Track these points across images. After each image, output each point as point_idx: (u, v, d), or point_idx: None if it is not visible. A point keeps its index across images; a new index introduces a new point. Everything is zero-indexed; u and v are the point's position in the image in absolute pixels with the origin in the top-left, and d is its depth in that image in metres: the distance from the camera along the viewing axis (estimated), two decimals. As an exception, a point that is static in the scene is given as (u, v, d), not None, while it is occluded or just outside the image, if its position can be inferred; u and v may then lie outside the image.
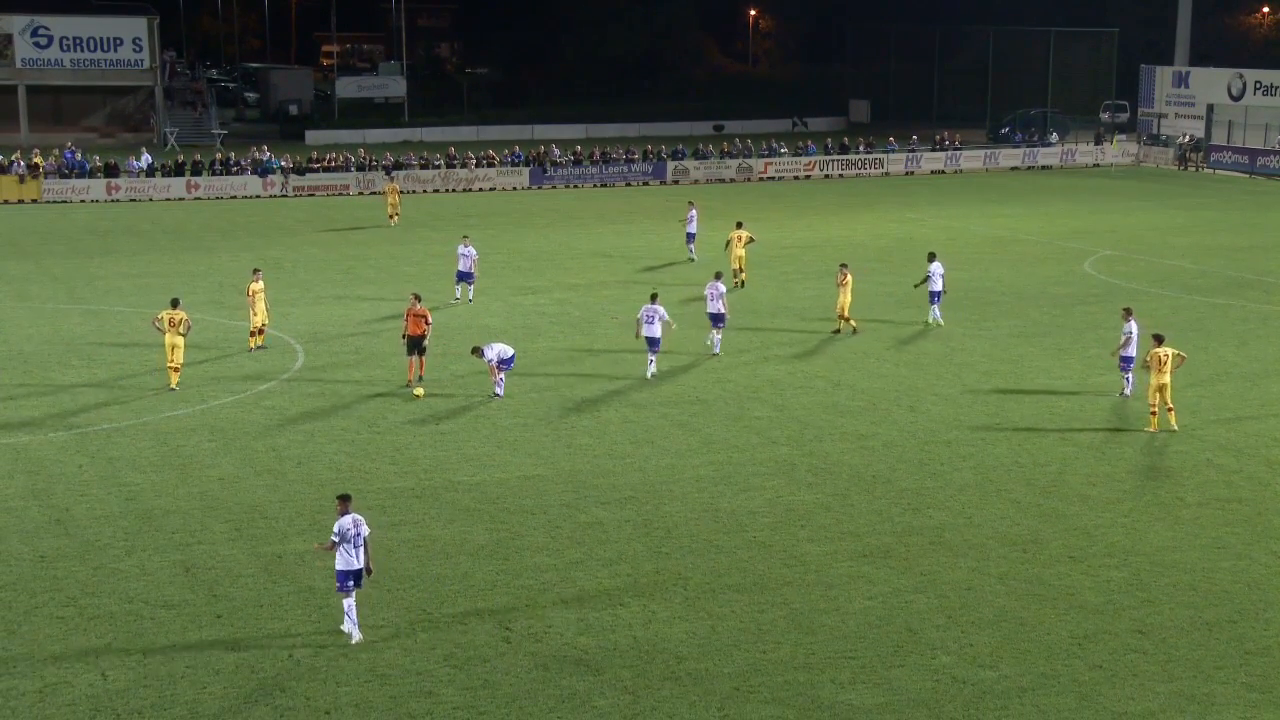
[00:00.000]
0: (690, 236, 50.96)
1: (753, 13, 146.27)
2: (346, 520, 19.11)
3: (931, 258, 39.59)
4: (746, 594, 20.83)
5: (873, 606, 20.40)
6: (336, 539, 19.02)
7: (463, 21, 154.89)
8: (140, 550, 22.39)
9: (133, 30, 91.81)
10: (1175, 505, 24.76)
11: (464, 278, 42.44)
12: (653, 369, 33.27)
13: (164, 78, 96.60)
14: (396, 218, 60.36)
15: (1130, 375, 31.42)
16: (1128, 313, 31.88)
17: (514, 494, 25.15)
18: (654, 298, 34.02)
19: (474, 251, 42.44)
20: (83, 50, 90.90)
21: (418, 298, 32.57)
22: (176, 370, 31.93)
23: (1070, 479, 26.13)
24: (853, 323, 37.93)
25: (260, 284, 35.73)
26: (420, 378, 32.20)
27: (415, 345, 32.11)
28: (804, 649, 19.02)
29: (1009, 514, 24.29)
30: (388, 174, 70.99)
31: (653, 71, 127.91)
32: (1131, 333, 31.34)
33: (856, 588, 21.08)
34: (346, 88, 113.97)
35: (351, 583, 19.12)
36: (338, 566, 19.13)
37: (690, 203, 53.79)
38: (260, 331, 35.99)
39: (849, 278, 37.80)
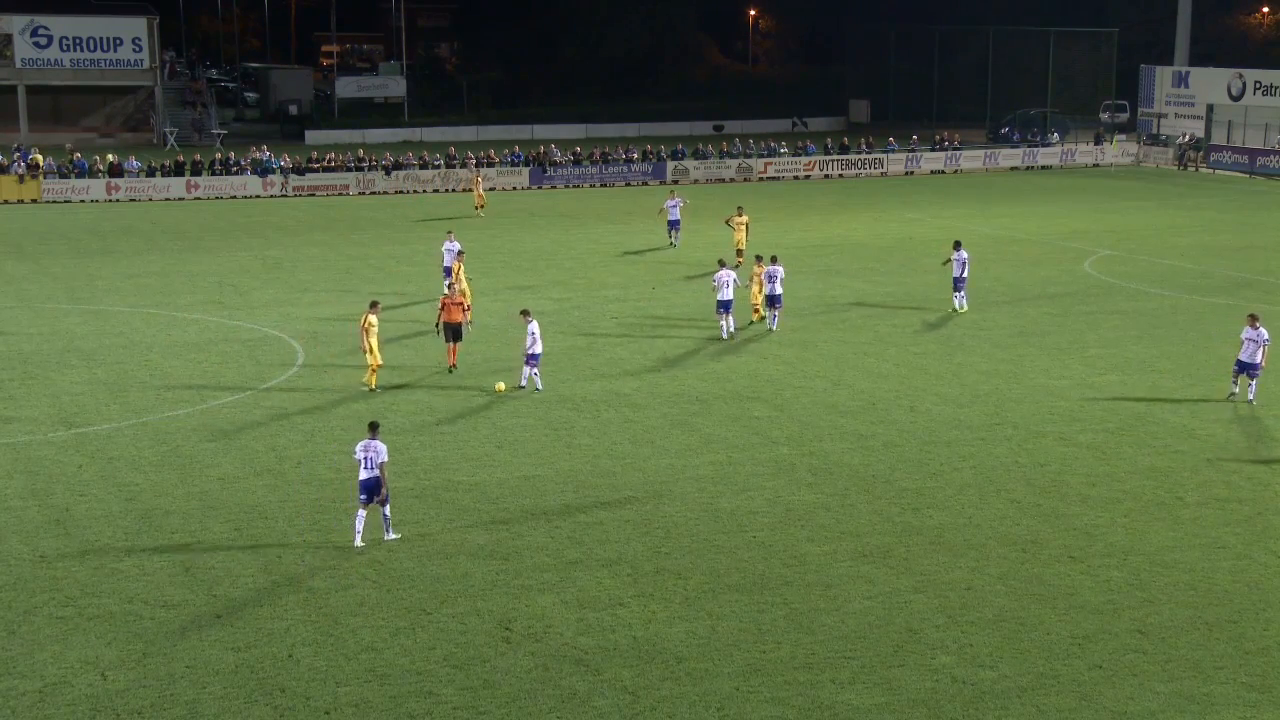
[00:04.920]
0: (674, 224, 53.59)
1: (753, 13, 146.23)
2: (360, 444, 22.65)
3: (957, 246, 41.19)
4: (746, 594, 20.83)
5: (873, 606, 20.40)
6: (356, 457, 22.68)
7: (463, 21, 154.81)
8: (140, 550, 22.39)
9: (132, 30, 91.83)
10: (1175, 505, 24.76)
11: (450, 273, 42.58)
12: (774, 324, 37.96)
13: (164, 78, 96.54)
14: (483, 209, 62.45)
15: (1237, 379, 31.23)
16: (1253, 318, 31.22)
17: (514, 494, 25.15)
18: (774, 259, 38.11)
19: (457, 246, 42.92)
20: (83, 50, 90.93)
21: (450, 287, 34.98)
22: (373, 370, 31.95)
23: (1070, 479, 26.13)
24: (760, 313, 39.04)
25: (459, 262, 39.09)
26: (452, 366, 33.63)
27: (453, 332, 33.46)
28: (804, 649, 19.02)
29: (1009, 514, 24.29)
30: (475, 167, 72.29)
31: (653, 71, 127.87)
32: (1250, 338, 30.82)
33: (856, 588, 21.08)
34: (346, 88, 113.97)
35: (364, 496, 22.42)
36: (359, 478, 22.54)
37: (672, 191, 55.69)
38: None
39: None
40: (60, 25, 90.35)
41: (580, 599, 20.60)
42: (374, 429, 22.93)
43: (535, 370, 31.92)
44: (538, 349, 31.64)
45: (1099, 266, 49.49)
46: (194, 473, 26.26)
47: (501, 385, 31.87)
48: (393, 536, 22.84)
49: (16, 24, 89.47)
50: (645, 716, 17.25)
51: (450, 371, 33.35)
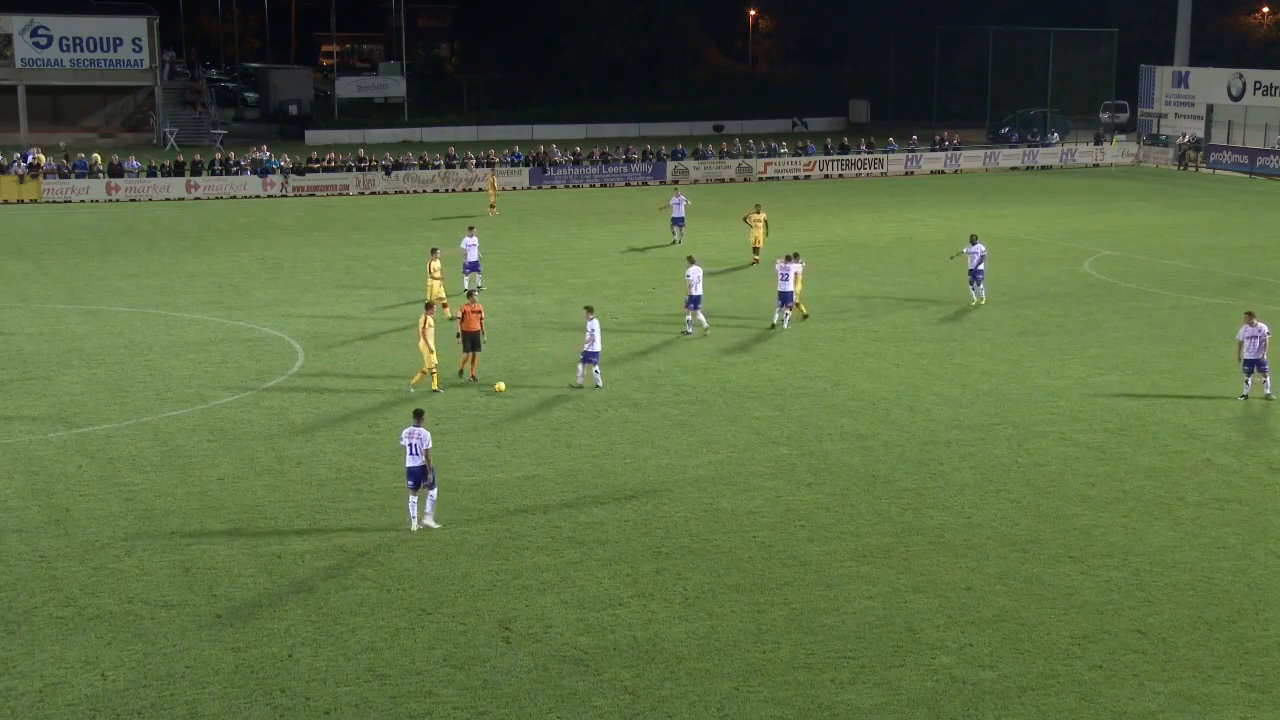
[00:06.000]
0: (678, 221, 54.66)
1: (753, 13, 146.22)
2: (405, 430, 23.18)
3: (974, 240, 42.24)
4: (746, 594, 20.83)
5: (873, 606, 20.40)
6: (402, 444, 23.21)
7: (463, 21, 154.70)
8: (140, 550, 22.39)
9: (132, 30, 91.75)
10: (1175, 505, 24.76)
11: (473, 268, 43.23)
12: (782, 318, 38.44)
13: (164, 78, 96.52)
14: (494, 209, 63.00)
15: (1248, 378, 31.19)
16: (1250, 316, 31.14)
17: (514, 494, 25.15)
18: (788, 258, 38.63)
19: (477, 241, 43.69)
20: (82, 50, 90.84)
21: (471, 295, 33.80)
22: (423, 373, 31.69)
23: (1070, 479, 26.13)
24: (803, 309, 39.78)
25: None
26: (473, 378, 32.69)
27: (472, 342, 32.62)
28: (804, 649, 19.02)
29: (1009, 514, 24.29)
30: (489, 167, 72.80)
31: (653, 71, 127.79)
32: (1251, 335, 30.76)
33: (856, 588, 21.08)
34: (346, 88, 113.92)
35: (411, 482, 23.05)
36: (406, 465, 23.16)
37: (676, 189, 57.85)
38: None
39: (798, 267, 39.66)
40: (60, 25, 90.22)
41: (580, 599, 20.60)
42: (419, 416, 23.42)
43: (596, 368, 32.10)
44: (595, 347, 31.77)
45: (1099, 266, 49.50)
46: (194, 473, 26.26)
47: (501, 385, 31.83)
48: (433, 524, 23.25)
49: (16, 24, 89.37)
50: (645, 716, 17.25)
51: (460, 375, 32.73)
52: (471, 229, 44.86)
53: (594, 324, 31.74)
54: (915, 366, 34.51)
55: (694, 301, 37.69)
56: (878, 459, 27.25)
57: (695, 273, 37.68)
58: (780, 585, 21.14)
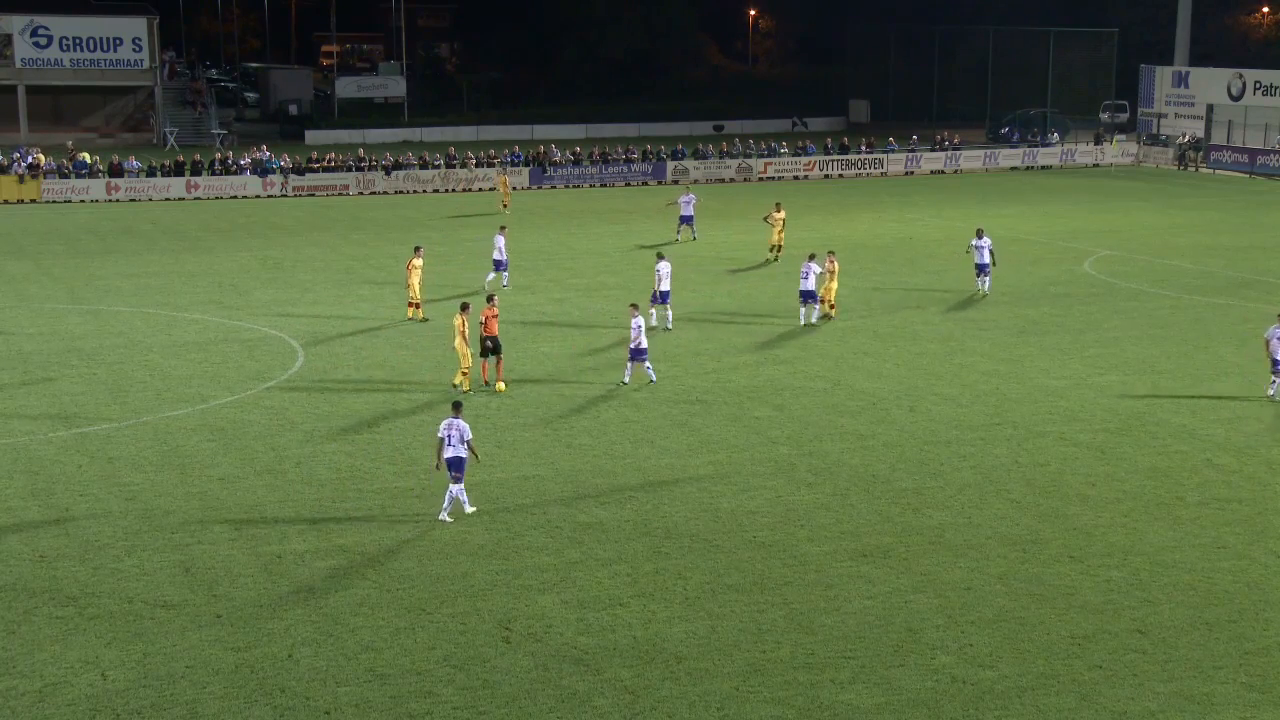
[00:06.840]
0: (687, 219, 55.04)
1: (752, 13, 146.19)
2: (443, 422, 23.73)
3: (980, 234, 43.30)
4: (746, 594, 20.83)
5: (873, 606, 20.40)
6: (440, 435, 23.72)
7: (463, 21, 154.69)
8: (140, 550, 22.39)
9: (132, 30, 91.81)
10: (1175, 505, 24.76)
11: (497, 266, 44.16)
12: (810, 318, 38.81)
13: (163, 78, 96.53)
14: (507, 206, 63.29)
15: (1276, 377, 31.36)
16: None
17: (514, 494, 25.15)
18: (812, 257, 39.08)
19: (501, 241, 44.42)
20: (82, 50, 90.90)
21: (490, 299, 33.11)
22: (463, 373, 31.73)
23: (1070, 479, 26.13)
24: (834, 310, 40.03)
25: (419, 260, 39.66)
26: (488, 383, 32.31)
27: (494, 346, 32.25)
28: (804, 649, 19.02)
29: (1009, 514, 24.29)
30: (490, 166, 73.91)
31: (653, 71, 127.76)
32: (1278, 335, 31.00)
33: (856, 588, 21.08)
34: (346, 88, 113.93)
35: (455, 472, 23.52)
36: (445, 456, 23.63)
37: (686, 187, 59.30)
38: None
39: (836, 266, 40.23)
40: (60, 25, 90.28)
41: (580, 599, 20.60)
42: (457, 408, 24.08)
43: (645, 364, 32.29)
44: (643, 343, 31.99)
45: (1099, 266, 49.50)
46: (194, 473, 26.26)
47: (502, 385, 31.84)
48: (445, 518, 23.58)
49: (16, 24, 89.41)
50: (645, 716, 17.26)
51: (485, 385, 32.11)
52: (503, 228, 45.84)
53: (639, 321, 31.98)
54: (915, 366, 34.51)
55: (662, 296, 37.97)
56: (878, 459, 27.25)
57: (664, 268, 37.98)
58: (780, 585, 21.14)
